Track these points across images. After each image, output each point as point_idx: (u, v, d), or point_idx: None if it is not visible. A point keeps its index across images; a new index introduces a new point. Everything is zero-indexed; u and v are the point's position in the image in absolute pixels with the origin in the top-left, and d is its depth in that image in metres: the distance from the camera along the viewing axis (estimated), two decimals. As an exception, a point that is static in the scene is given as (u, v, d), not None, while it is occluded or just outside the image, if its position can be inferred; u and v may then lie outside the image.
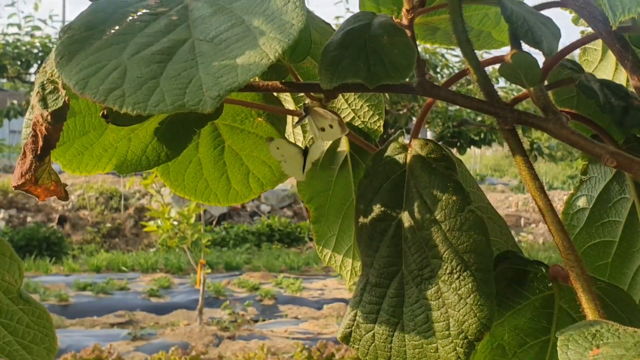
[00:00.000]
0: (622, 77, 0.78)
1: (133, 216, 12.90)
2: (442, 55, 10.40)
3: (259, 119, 0.80)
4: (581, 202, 0.75)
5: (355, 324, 0.67)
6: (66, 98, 0.64)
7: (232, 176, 0.84)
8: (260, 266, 10.37)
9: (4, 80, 11.03)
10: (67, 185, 0.71)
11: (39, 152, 0.66)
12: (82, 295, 8.42)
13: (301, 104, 0.77)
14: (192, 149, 0.82)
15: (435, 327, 0.62)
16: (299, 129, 0.86)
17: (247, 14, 0.56)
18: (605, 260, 0.74)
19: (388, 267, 0.65)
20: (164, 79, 0.54)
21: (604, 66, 0.81)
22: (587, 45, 0.82)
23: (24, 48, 9.82)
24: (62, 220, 12.65)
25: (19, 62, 9.82)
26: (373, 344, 0.66)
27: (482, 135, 9.93)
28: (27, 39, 9.96)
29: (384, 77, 0.61)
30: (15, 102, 10.95)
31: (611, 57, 0.80)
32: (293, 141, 0.84)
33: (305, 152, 0.74)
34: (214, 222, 12.80)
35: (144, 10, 0.58)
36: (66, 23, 0.66)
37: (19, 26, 10.05)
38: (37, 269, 9.63)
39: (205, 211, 10.40)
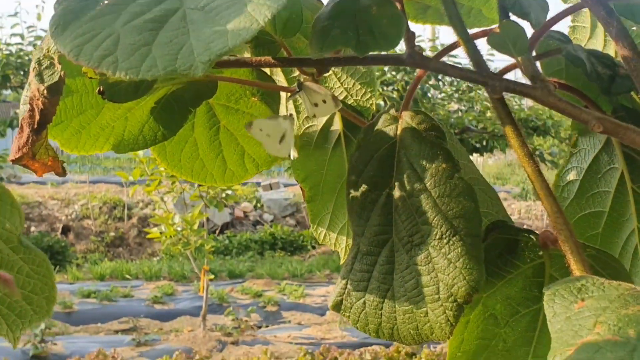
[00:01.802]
0: (610, 53, 0.79)
1: (136, 225, 12.91)
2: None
3: (254, 98, 0.81)
4: (571, 175, 0.75)
5: (346, 293, 0.68)
6: (62, 73, 0.66)
7: (227, 156, 0.85)
8: (263, 274, 10.37)
9: (8, 92, 11.05)
10: (64, 162, 0.73)
11: (35, 126, 0.67)
12: (86, 302, 8.43)
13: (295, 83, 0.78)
14: (188, 129, 0.83)
15: (425, 292, 0.63)
16: (292, 110, 0.87)
17: (237, -18, 0.57)
18: (596, 230, 0.75)
19: (379, 236, 0.66)
20: (156, 45, 0.55)
21: (593, 43, 0.82)
22: (576, 23, 0.83)
23: (26, 58, 9.86)
24: (65, 230, 12.67)
25: (22, 72, 9.85)
26: (364, 311, 0.66)
27: (484, 143, 9.93)
28: (30, 49, 9.99)
29: (373, 46, 0.63)
30: (18, 112, 10.97)
31: (599, 34, 0.81)
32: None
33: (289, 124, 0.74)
34: (217, 231, 12.80)
35: (137, -19, 0.60)
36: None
37: (22, 36, 10.09)
38: (40, 278, 9.62)
39: (208, 220, 10.41)
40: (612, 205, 0.74)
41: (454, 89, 10.26)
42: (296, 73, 0.83)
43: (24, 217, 0.55)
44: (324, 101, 0.73)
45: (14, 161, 0.68)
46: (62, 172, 0.72)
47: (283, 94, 0.83)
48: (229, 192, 6.82)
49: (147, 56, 0.54)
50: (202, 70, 0.54)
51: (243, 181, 0.87)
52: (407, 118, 0.68)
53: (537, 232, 0.69)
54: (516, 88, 0.65)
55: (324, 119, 0.83)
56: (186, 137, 0.84)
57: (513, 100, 10.39)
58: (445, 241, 0.63)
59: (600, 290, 0.52)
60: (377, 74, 8.99)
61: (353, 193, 0.69)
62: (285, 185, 15.12)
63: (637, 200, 0.73)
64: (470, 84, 10.44)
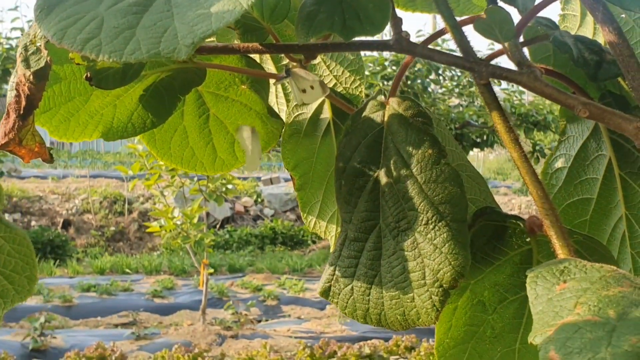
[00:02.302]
0: (600, 41, 0.79)
1: (137, 220, 12.92)
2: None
3: (243, 86, 0.81)
4: (559, 162, 0.75)
5: (334, 279, 0.68)
6: (48, 58, 0.66)
7: (217, 145, 0.85)
8: (263, 268, 10.38)
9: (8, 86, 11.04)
10: (52, 148, 0.73)
11: (22, 112, 0.67)
12: (86, 296, 8.44)
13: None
14: (177, 117, 0.83)
15: (412, 277, 0.63)
16: (282, 99, 0.87)
17: (221, -35, 0.57)
18: (584, 217, 0.75)
19: (366, 222, 0.66)
20: (140, 28, 0.55)
21: (583, 31, 0.82)
22: (566, 12, 0.83)
23: (27, 52, 9.83)
24: (66, 224, 12.68)
25: (22, 67, 9.83)
26: (352, 297, 0.67)
27: (484, 137, 9.92)
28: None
29: (360, 30, 0.63)
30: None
31: (589, 22, 0.81)
32: (277, 110, 0.85)
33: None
34: (218, 226, 12.81)
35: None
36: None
37: (22, 30, 10.07)
38: (40, 272, 9.64)
39: (208, 215, 10.41)
40: (600, 192, 0.74)
41: (454, 83, 10.25)
42: (285, 60, 0.83)
43: (3, 195, 0.55)
44: (312, 87, 0.73)
45: (0, 147, 0.68)
46: (49, 159, 0.72)
47: (272, 82, 0.83)
48: (229, 186, 6.82)
49: (131, 39, 0.54)
50: (186, 54, 0.54)
51: (233, 169, 0.86)
52: (394, 104, 0.68)
53: (524, 219, 0.69)
54: (502, 74, 0.65)
55: (313, 107, 0.82)
56: (175, 125, 0.83)
57: (514, 96, 10.39)
58: (431, 227, 0.63)
59: (582, 272, 0.52)
60: (378, 68, 8.99)
61: (341, 179, 0.69)
62: (286, 180, 15.12)
63: (625, 187, 0.73)
64: (470, 79, 10.43)
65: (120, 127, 0.79)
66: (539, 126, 10.07)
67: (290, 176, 0.86)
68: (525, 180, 0.64)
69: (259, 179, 15.16)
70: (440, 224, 0.63)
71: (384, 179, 0.66)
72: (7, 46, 9.71)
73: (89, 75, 0.70)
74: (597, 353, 0.43)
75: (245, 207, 13.80)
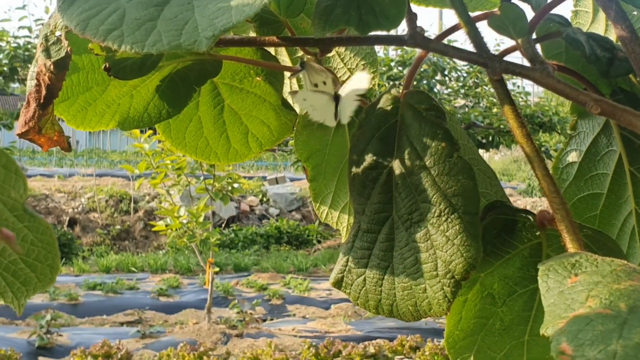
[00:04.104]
0: (612, 38, 0.80)
1: (142, 219, 12.95)
2: (451, 58, 10.43)
3: (258, 78, 0.82)
4: (570, 157, 0.76)
5: (347, 270, 0.69)
6: (68, 48, 0.67)
7: (231, 135, 0.86)
8: (268, 267, 10.40)
9: (16, 85, 11.09)
10: (70, 137, 0.74)
11: (42, 101, 0.68)
12: (92, 294, 8.47)
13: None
14: (192, 108, 0.84)
15: (424, 269, 0.64)
16: (296, 90, 0.88)
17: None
18: (594, 212, 0.75)
19: (379, 213, 0.67)
20: (161, 20, 0.56)
21: (595, 28, 0.83)
22: (578, 8, 0.83)
23: (34, 51, 9.89)
24: (72, 223, 12.71)
25: (29, 65, 9.88)
26: (364, 288, 0.68)
27: (490, 138, 9.93)
28: (37, 41, 10.01)
29: (375, 25, 0.64)
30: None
31: (602, 19, 0.82)
32: (291, 102, 0.86)
33: (336, 98, 0.75)
34: (223, 225, 12.83)
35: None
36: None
37: (30, 29, 10.12)
38: (47, 269, 9.66)
39: (214, 214, 10.43)
40: (610, 187, 0.74)
41: (460, 84, 10.26)
42: (300, 53, 0.84)
43: (27, 185, 0.56)
44: (324, 83, 0.74)
45: (21, 135, 0.69)
46: (68, 147, 0.74)
47: (287, 75, 0.84)
48: (235, 185, 6.84)
49: (152, 31, 0.56)
50: (206, 46, 0.55)
51: (246, 160, 0.88)
52: (408, 98, 0.69)
53: (534, 213, 0.70)
54: (515, 70, 0.66)
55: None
56: (191, 115, 0.85)
57: (519, 97, 10.39)
58: (443, 219, 0.64)
59: (593, 265, 0.53)
60: (384, 69, 9.01)
61: (354, 171, 0.70)
62: (292, 180, 15.14)
63: (635, 182, 0.74)
64: (476, 80, 10.43)
65: (136, 117, 0.80)
66: (544, 127, 10.06)
67: (303, 167, 0.87)
68: (536, 175, 0.64)
69: (264, 178, 15.18)
70: (453, 216, 0.64)
71: (397, 171, 0.67)
72: (15, 45, 9.76)
73: (107, 65, 0.72)
74: (609, 345, 0.44)
75: (250, 206, 13.81)
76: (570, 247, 0.61)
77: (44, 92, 0.68)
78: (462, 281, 0.63)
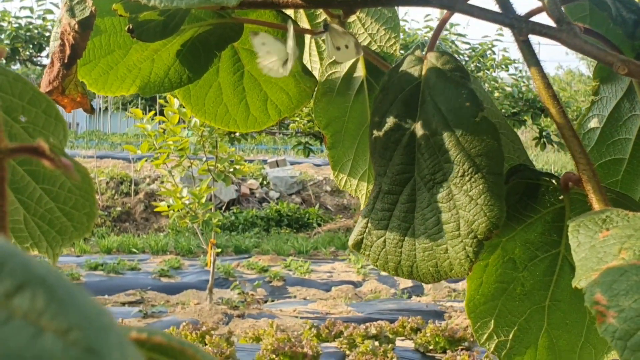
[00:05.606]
0: (637, 1, 0.80)
1: (143, 201, 12.95)
2: (453, 42, 10.40)
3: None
4: (592, 122, 0.76)
5: (366, 232, 0.69)
6: (93, 8, 0.67)
7: (250, 102, 0.86)
8: (269, 250, 10.42)
9: (17, 66, 11.05)
10: (92, 99, 0.74)
11: (66, 61, 0.68)
12: (94, 274, 8.49)
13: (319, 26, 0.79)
14: (212, 74, 0.84)
15: (446, 229, 0.64)
16: (315, 57, 0.88)
17: None
18: (616, 177, 0.75)
19: (401, 174, 0.67)
20: (190, -26, 0.56)
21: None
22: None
23: (36, 31, 9.86)
24: (72, 204, 12.70)
25: (30, 45, 9.85)
26: (384, 250, 0.67)
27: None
28: (39, 22, 9.98)
29: (401, -16, 0.63)
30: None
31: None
32: (310, 68, 0.86)
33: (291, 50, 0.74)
34: (223, 208, 12.83)
35: None
36: None
37: (31, 9, 10.07)
38: (48, 250, 9.68)
39: (214, 196, 10.43)
40: (633, 152, 0.74)
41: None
42: (320, 19, 0.84)
43: (67, 132, 0.56)
44: (347, 46, 0.74)
45: (45, 94, 0.69)
46: (90, 110, 0.74)
47: (307, 41, 0.84)
48: (237, 166, 6.84)
49: (182, -15, 0.55)
50: (236, 1, 0.55)
51: (265, 127, 0.87)
52: (432, 59, 0.69)
53: (558, 176, 0.70)
54: (542, 30, 0.66)
55: (347, 65, 0.83)
56: (210, 81, 0.84)
57: (521, 82, 10.36)
58: (467, 178, 0.64)
59: (624, 220, 0.53)
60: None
61: (376, 133, 0.70)
62: (292, 163, 15.13)
63: (658, 147, 0.74)
64: (478, 64, 10.40)
65: (157, 82, 0.80)
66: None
67: (322, 134, 0.87)
68: (562, 135, 0.64)
69: (264, 161, 15.17)
70: (477, 175, 0.64)
71: (420, 132, 0.67)
72: (16, 25, 9.71)
73: (131, 27, 0.71)
74: (644, 295, 0.44)
75: (250, 189, 13.81)
76: (597, 207, 0.61)
77: (68, 51, 0.67)
78: (484, 241, 0.63)
